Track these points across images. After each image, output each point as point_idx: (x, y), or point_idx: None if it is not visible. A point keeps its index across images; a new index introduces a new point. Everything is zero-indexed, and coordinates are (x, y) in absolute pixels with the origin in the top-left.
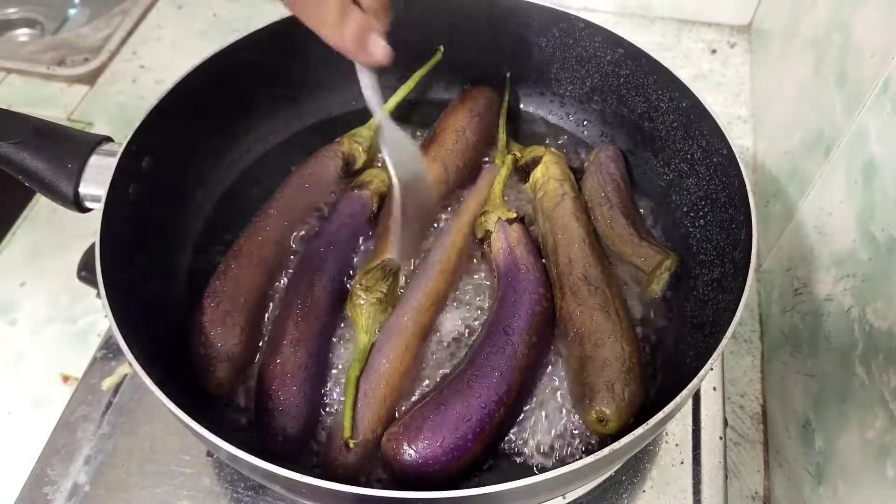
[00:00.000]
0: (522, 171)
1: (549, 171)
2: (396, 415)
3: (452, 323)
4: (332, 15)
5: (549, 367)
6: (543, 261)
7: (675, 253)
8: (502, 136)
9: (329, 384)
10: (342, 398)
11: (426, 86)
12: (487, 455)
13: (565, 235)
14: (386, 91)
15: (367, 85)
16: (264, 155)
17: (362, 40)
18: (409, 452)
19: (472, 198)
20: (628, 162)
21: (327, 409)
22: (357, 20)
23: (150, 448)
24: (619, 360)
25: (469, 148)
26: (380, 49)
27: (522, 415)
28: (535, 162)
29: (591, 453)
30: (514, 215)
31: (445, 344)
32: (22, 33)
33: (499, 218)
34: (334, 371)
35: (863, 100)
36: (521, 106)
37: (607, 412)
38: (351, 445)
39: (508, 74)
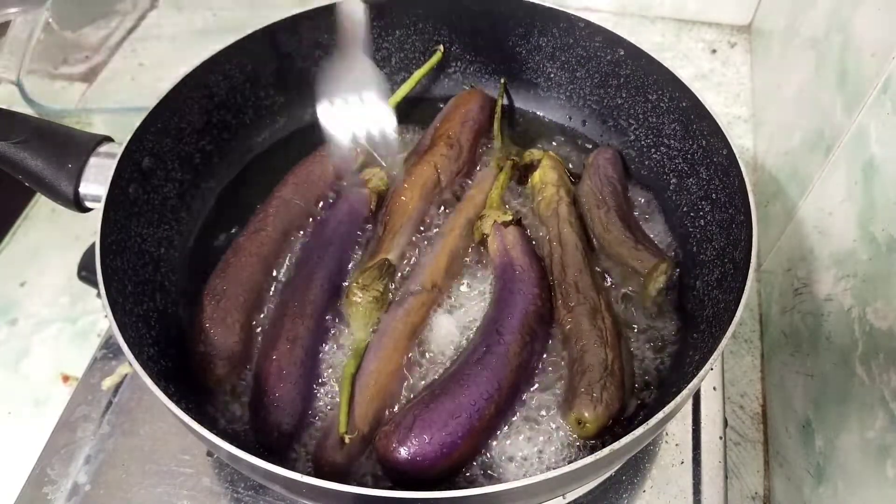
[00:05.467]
0: (521, 174)
1: (546, 177)
2: (388, 413)
3: (448, 325)
4: None
5: (544, 365)
6: (543, 262)
7: (674, 254)
8: (498, 140)
9: (322, 381)
10: (332, 395)
11: (426, 85)
12: (479, 450)
13: (560, 242)
14: (389, 91)
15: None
16: (263, 155)
17: None
18: (401, 450)
19: (466, 201)
20: (626, 163)
21: (320, 405)
22: None
23: (150, 448)
24: (601, 365)
25: (463, 153)
26: None
27: (516, 413)
28: (534, 165)
29: (590, 453)
30: (510, 218)
31: (441, 346)
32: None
33: (495, 220)
34: (328, 368)
35: (863, 100)
36: (521, 106)
37: (586, 415)
38: (346, 441)
39: (503, 80)
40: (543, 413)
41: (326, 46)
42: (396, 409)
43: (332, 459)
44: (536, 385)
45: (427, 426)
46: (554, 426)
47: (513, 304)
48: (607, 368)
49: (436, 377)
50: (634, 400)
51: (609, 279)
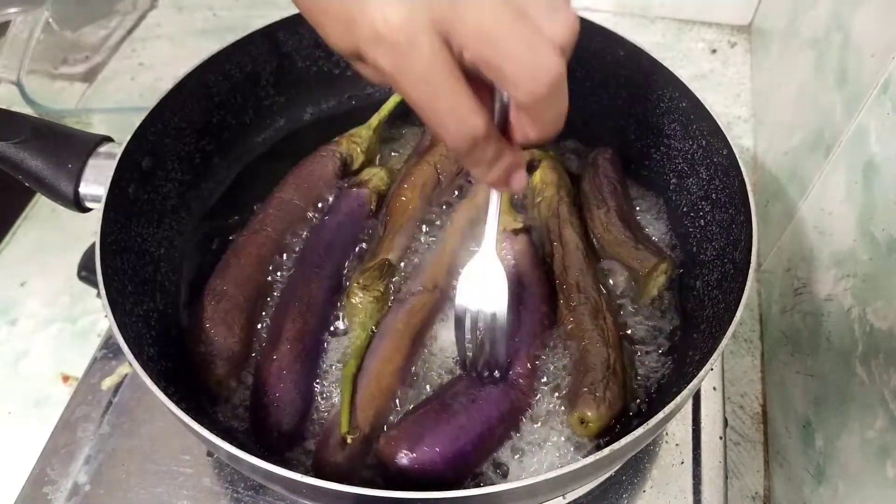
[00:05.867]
0: None
1: (546, 178)
2: (391, 414)
3: (449, 327)
4: (487, 157)
5: (546, 366)
6: (545, 262)
7: (674, 254)
8: None
9: (322, 381)
10: (333, 395)
11: None
12: (483, 460)
13: (560, 242)
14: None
15: (495, 204)
16: (263, 155)
17: (507, 177)
18: (409, 457)
19: (467, 200)
20: (626, 163)
21: (320, 405)
22: (509, 160)
23: (150, 448)
24: (603, 364)
25: None
26: (520, 182)
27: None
28: (534, 165)
29: (590, 453)
30: (521, 226)
31: (442, 346)
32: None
33: (505, 228)
34: (329, 369)
35: (863, 100)
36: None
37: (589, 414)
38: (348, 441)
39: None
40: (545, 413)
41: (326, 46)
42: (398, 409)
43: (334, 459)
44: (539, 385)
45: (439, 437)
46: (556, 426)
47: (520, 321)
48: (609, 368)
49: (436, 377)
50: (635, 400)
51: (609, 279)
